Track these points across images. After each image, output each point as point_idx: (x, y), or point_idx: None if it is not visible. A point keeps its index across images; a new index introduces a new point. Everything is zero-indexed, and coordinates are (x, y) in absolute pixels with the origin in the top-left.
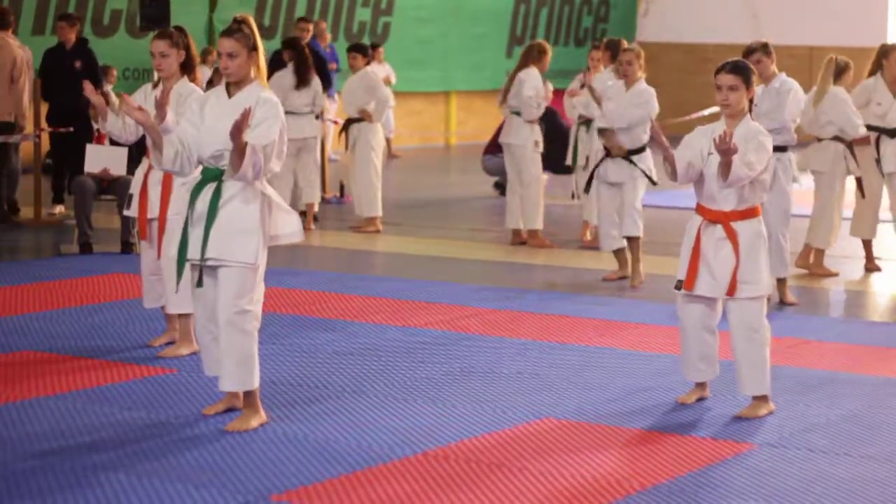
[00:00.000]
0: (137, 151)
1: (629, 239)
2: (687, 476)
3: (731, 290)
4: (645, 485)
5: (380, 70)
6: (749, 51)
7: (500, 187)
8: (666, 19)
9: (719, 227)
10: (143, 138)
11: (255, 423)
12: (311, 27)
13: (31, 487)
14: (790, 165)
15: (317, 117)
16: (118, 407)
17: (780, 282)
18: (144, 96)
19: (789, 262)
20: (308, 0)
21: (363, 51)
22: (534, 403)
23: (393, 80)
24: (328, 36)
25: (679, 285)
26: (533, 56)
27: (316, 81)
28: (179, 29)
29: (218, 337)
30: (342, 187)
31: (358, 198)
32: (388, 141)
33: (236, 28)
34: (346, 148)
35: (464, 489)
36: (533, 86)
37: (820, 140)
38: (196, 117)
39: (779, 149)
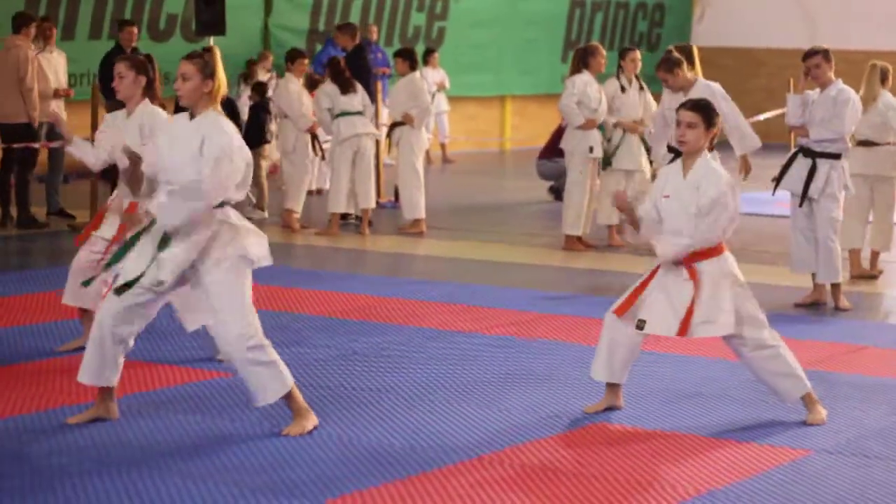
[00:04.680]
0: None
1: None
2: (743, 482)
3: (683, 331)
4: (700, 490)
5: (434, 75)
6: (808, 54)
7: (556, 192)
8: (721, 24)
9: (683, 269)
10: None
11: (309, 425)
12: (356, 33)
13: (88, 491)
14: (843, 173)
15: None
16: (173, 410)
17: (834, 287)
18: (114, 122)
19: (841, 267)
20: (363, 4)
21: (407, 56)
22: None
23: (447, 84)
24: (350, 40)
25: (640, 325)
26: (580, 60)
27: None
28: (148, 57)
29: (122, 341)
30: (396, 192)
31: (403, 200)
32: (442, 146)
33: (198, 54)
34: (388, 151)
35: (518, 493)
36: (571, 93)
37: (877, 144)
38: (162, 142)
39: (833, 156)
